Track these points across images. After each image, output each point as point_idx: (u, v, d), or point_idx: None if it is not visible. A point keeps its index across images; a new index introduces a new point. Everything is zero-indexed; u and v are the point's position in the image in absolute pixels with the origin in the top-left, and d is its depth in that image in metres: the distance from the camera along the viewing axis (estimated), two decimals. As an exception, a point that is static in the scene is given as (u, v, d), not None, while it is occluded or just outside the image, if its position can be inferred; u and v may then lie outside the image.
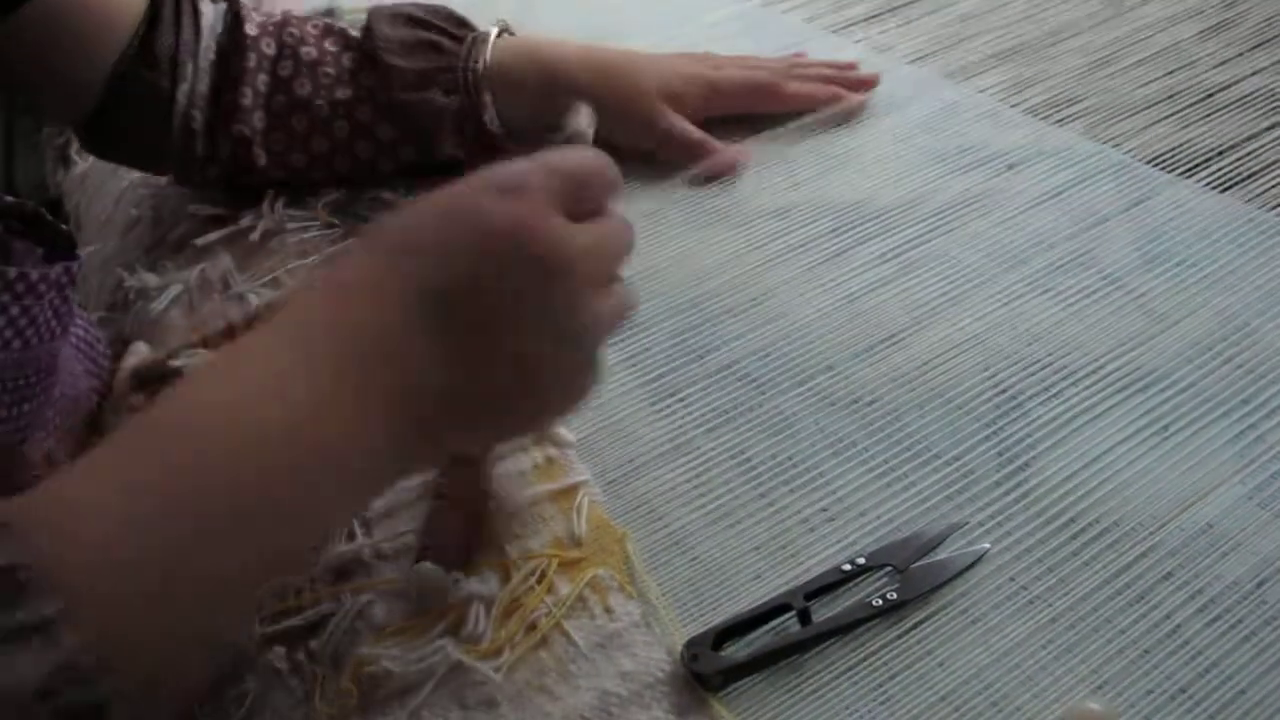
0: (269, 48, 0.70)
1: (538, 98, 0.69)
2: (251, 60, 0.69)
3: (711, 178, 0.70)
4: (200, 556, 0.34)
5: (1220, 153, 0.67)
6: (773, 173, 0.70)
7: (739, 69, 0.75)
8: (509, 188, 0.41)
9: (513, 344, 0.40)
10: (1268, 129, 0.69)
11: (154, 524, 0.33)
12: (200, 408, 0.37)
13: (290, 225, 0.71)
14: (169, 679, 0.34)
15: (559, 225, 0.41)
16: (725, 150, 0.71)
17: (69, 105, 0.69)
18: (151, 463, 0.35)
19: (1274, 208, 0.62)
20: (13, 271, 0.48)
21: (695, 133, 0.71)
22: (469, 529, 0.48)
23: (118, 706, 0.31)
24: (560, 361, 0.42)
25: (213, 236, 0.72)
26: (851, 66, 0.77)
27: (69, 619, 0.30)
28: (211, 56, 0.69)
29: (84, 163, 0.96)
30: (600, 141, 0.70)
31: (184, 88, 0.68)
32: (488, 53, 0.70)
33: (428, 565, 0.46)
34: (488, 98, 0.69)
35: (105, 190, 0.88)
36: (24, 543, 0.31)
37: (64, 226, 0.52)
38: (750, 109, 0.74)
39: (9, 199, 0.50)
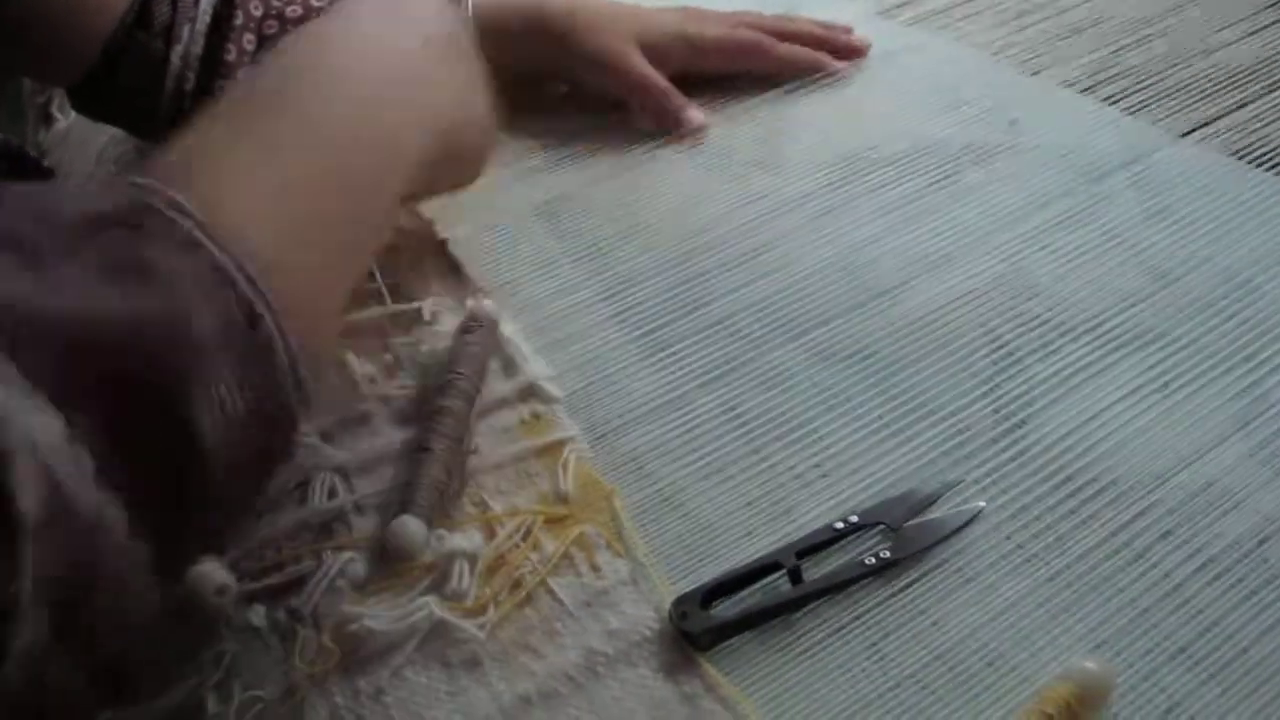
0: (256, 8, 0.69)
1: (521, 41, 0.69)
2: (239, 19, 0.68)
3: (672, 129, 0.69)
4: (334, 219, 0.40)
5: (1228, 109, 0.66)
6: (768, 126, 0.69)
7: (723, 27, 0.73)
8: None
9: None
10: (1269, 90, 0.67)
11: (296, 202, 0.39)
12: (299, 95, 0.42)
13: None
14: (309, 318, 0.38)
15: None
16: (683, 106, 0.70)
17: (65, 67, 0.68)
18: (289, 152, 0.40)
19: (1275, 166, 0.61)
20: None
21: (660, 82, 0.69)
22: (449, 481, 0.47)
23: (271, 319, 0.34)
24: None
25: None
26: (846, 30, 0.76)
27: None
28: (208, 19, 0.68)
29: (65, 120, 0.95)
30: (574, 88, 0.70)
31: (178, 49, 0.67)
32: None
33: (407, 517, 0.44)
34: (474, 37, 0.68)
35: (87, 147, 0.86)
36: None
37: (46, 164, 0.51)
38: (733, 69, 0.73)
39: None
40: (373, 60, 0.46)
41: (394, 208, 0.46)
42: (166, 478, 0.31)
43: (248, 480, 0.37)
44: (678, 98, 0.70)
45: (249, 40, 0.69)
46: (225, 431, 0.33)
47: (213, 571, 0.45)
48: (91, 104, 0.73)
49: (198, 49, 0.68)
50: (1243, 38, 0.73)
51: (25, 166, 0.50)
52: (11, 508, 0.27)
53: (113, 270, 0.31)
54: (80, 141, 0.87)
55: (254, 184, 0.38)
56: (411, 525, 0.45)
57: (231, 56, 0.68)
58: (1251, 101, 0.67)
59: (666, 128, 0.69)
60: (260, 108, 0.41)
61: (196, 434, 0.32)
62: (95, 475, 0.29)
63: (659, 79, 0.70)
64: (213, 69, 0.68)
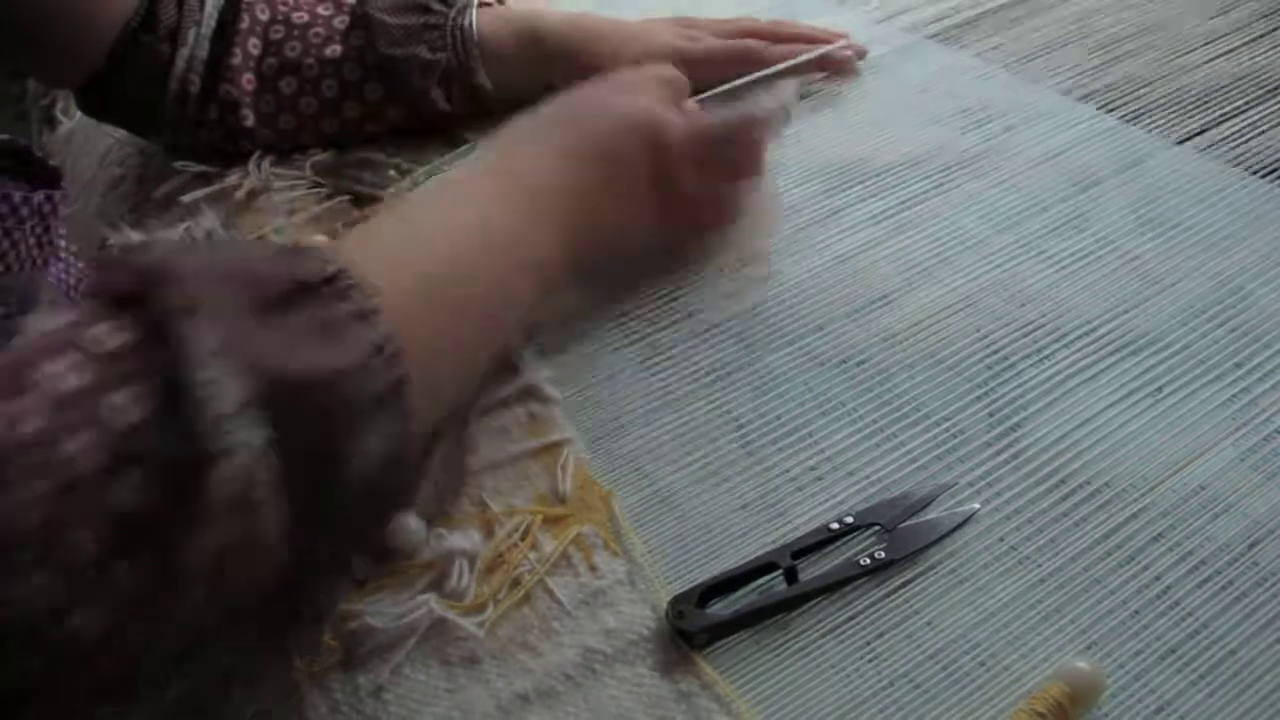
0: (263, 13, 0.70)
1: (523, 61, 0.69)
2: (245, 23, 0.69)
3: None
4: (460, 328, 0.46)
5: (1225, 117, 0.67)
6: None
7: (719, 39, 0.73)
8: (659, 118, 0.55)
9: (633, 188, 0.54)
10: (1262, 99, 0.68)
11: (427, 295, 0.44)
12: (432, 224, 0.48)
13: (277, 184, 0.71)
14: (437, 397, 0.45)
15: (667, 109, 0.55)
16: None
17: (70, 69, 0.69)
18: (417, 257, 0.45)
19: (1268, 174, 0.62)
20: None
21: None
22: (449, 480, 0.47)
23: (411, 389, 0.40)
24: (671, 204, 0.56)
25: (198, 194, 0.71)
26: (842, 37, 0.76)
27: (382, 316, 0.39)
28: (213, 24, 0.69)
29: (70, 122, 0.95)
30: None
31: (184, 53, 0.68)
32: (474, 14, 0.69)
33: (406, 516, 0.45)
34: (476, 54, 0.68)
35: (90, 149, 0.87)
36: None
37: (52, 163, 0.52)
38: (731, 78, 0.73)
39: (2, 136, 0.50)
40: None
41: (515, 324, 0.52)
42: (316, 498, 0.37)
43: (370, 524, 0.44)
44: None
45: (254, 45, 0.69)
46: (370, 476, 0.38)
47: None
48: (96, 106, 0.74)
49: (203, 53, 0.69)
50: (1237, 47, 0.73)
51: (31, 165, 0.51)
52: (204, 499, 0.33)
53: (312, 330, 0.37)
54: (84, 144, 0.88)
55: (401, 276, 0.44)
56: (411, 523, 0.45)
57: (236, 60, 0.69)
58: (1245, 110, 0.67)
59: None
60: (399, 222, 0.49)
61: (346, 472, 0.37)
62: (279, 484, 0.35)
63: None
64: (217, 73, 0.69)
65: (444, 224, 0.48)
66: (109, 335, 0.34)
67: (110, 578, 0.32)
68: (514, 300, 0.50)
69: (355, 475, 0.38)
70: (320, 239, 0.64)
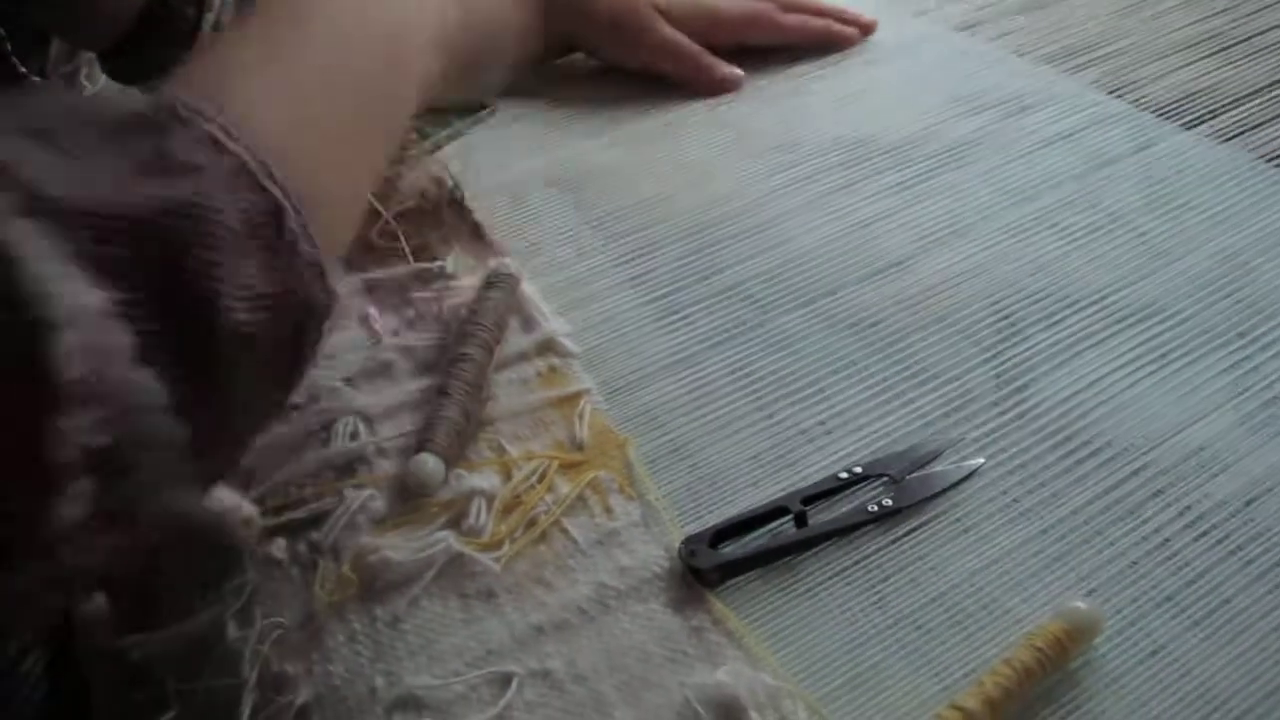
0: None
1: (547, 13, 0.70)
2: None
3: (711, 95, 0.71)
4: (352, 124, 0.43)
5: (1236, 102, 0.68)
6: (784, 109, 0.70)
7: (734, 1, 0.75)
8: None
9: None
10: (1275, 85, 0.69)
11: (314, 106, 0.41)
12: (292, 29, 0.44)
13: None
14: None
15: None
16: (721, 65, 0.72)
17: (100, 32, 0.70)
18: (293, 56, 0.42)
19: (1276, 159, 0.63)
20: None
21: (692, 45, 0.71)
22: (467, 424, 0.49)
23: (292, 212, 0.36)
24: None
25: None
26: (853, 12, 0.77)
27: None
28: None
29: (93, 87, 0.96)
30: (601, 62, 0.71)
31: (209, 17, 0.69)
32: None
33: (425, 454, 0.46)
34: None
35: (116, 113, 0.88)
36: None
37: None
38: (747, 39, 0.74)
39: (35, 79, 0.50)
40: None
41: (404, 107, 0.48)
42: (196, 358, 0.33)
43: (277, 374, 0.38)
44: (710, 57, 0.71)
45: None
46: (251, 315, 0.34)
47: (239, 504, 0.47)
48: (122, 70, 0.74)
49: (227, 16, 0.70)
50: (1252, 35, 0.74)
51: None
52: (58, 379, 0.28)
53: (142, 164, 0.33)
54: (109, 107, 0.89)
55: (267, 86, 0.40)
56: (430, 462, 0.46)
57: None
58: (1258, 95, 0.68)
59: (703, 90, 0.71)
60: (266, 23, 0.44)
61: (223, 316, 0.33)
62: (134, 351, 0.30)
63: (690, 42, 0.71)
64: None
65: (306, 22, 0.44)
66: None
67: None
68: (412, 80, 0.47)
69: (229, 321, 0.33)
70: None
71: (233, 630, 0.45)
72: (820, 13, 0.76)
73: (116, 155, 0.33)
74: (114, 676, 0.49)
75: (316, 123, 0.41)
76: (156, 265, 0.31)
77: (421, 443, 0.47)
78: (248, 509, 0.47)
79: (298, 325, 0.37)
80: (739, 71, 0.72)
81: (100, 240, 0.30)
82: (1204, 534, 0.43)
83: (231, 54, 0.42)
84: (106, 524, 0.31)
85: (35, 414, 0.28)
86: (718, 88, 0.71)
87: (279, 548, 0.47)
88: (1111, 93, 0.69)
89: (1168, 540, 0.43)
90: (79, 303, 0.29)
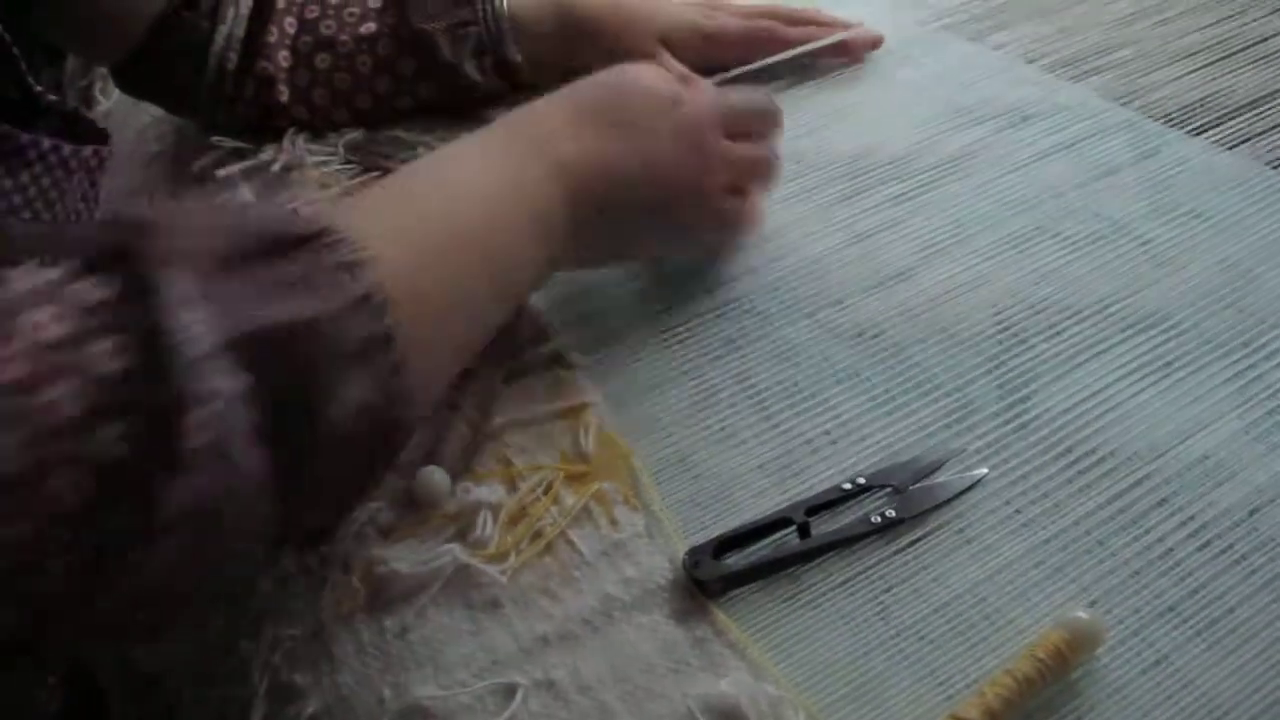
0: None
1: (554, 33, 0.71)
2: (281, 3, 0.71)
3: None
4: (460, 280, 0.46)
5: (1241, 109, 0.68)
6: (785, 122, 0.71)
7: (737, 18, 0.75)
8: (680, 92, 0.54)
9: (645, 142, 0.52)
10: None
11: (429, 259, 0.44)
12: (432, 182, 0.49)
13: (310, 160, 0.72)
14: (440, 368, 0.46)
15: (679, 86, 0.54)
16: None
17: (113, 45, 0.71)
18: (413, 213, 0.46)
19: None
20: (46, 142, 0.49)
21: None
22: (475, 437, 0.49)
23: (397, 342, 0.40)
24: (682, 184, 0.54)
25: (234, 168, 0.73)
26: (858, 25, 0.78)
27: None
28: (251, 3, 0.71)
29: (107, 101, 0.98)
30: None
31: (223, 30, 0.70)
32: None
33: (432, 468, 0.47)
34: (508, 26, 0.70)
35: (127, 127, 0.89)
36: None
37: (101, 127, 0.53)
38: (749, 57, 0.75)
39: (51, 97, 0.51)
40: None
41: (520, 270, 0.50)
42: (299, 448, 0.37)
43: (357, 476, 0.42)
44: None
45: (290, 23, 0.71)
46: (350, 423, 0.38)
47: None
48: (135, 83, 0.75)
49: (240, 30, 0.70)
50: (1257, 42, 0.74)
51: (80, 128, 0.53)
52: (180, 446, 0.33)
53: (292, 282, 0.38)
54: (122, 123, 0.90)
55: (396, 233, 0.44)
56: (437, 475, 0.47)
57: (273, 38, 0.71)
58: (1264, 102, 0.68)
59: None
60: (389, 181, 0.49)
61: (328, 420, 0.37)
62: (257, 433, 0.35)
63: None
64: (254, 50, 0.71)
65: (441, 179, 0.48)
66: (91, 289, 0.34)
67: (88, 528, 0.32)
68: (518, 252, 0.49)
69: (332, 425, 0.37)
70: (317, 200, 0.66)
71: (244, 641, 0.45)
72: (825, 25, 0.76)
73: (268, 267, 0.38)
74: (128, 685, 0.50)
75: (432, 267, 0.45)
76: (281, 369, 0.36)
77: (429, 456, 0.48)
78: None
79: (385, 440, 0.42)
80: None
81: (245, 336, 0.35)
82: (1208, 543, 0.44)
83: (362, 201, 0.48)
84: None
85: (153, 476, 0.33)
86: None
87: (290, 560, 0.47)
88: (1115, 100, 0.69)
89: (1171, 550, 0.43)
90: (222, 386, 0.34)
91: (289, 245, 0.38)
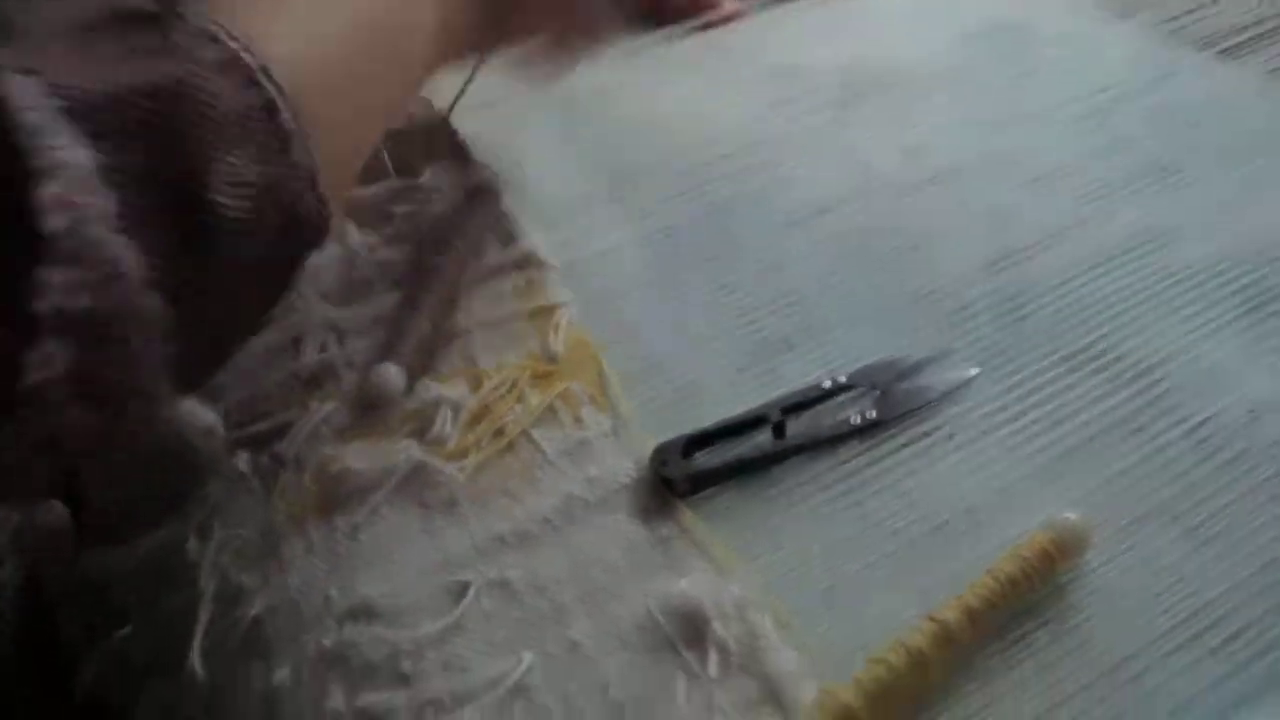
0: None
1: None
2: None
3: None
4: (347, 53, 0.40)
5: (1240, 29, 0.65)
6: (781, 35, 0.68)
7: None
8: None
9: None
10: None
11: (308, 26, 0.39)
12: None
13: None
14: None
15: None
16: (724, 4, 0.69)
17: None
18: None
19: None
20: None
21: None
22: (435, 335, 0.47)
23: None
24: None
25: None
26: None
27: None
28: None
29: None
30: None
31: None
32: None
33: (387, 364, 0.44)
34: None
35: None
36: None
37: None
38: None
39: None
40: None
41: (417, 54, 0.45)
42: (180, 237, 0.32)
43: (262, 280, 0.37)
44: None
45: None
46: (236, 201, 0.33)
47: (199, 413, 0.46)
48: None
49: None
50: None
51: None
52: (38, 225, 0.28)
53: (144, 50, 0.32)
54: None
55: (275, 10, 0.39)
56: (391, 371, 0.45)
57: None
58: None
59: (701, 14, 0.69)
60: None
61: (209, 195, 0.32)
62: (117, 216, 0.30)
63: None
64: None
65: None
66: None
67: None
68: (409, 15, 0.44)
69: (215, 208, 0.32)
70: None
71: (193, 543, 0.43)
72: None
73: (115, 41, 0.32)
74: (74, 591, 0.48)
75: (324, 50, 0.39)
76: (143, 138, 0.31)
77: (384, 352, 0.46)
78: (208, 418, 0.46)
79: (284, 230, 0.35)
80: (739, 8, 0.69)
81: (90, 106, 0.30)
82: (1202, 442, 0.41)
83: None
84: (82, 397, 0.30)
85: (13, 261, 0.28)
86: (711, 8, 0.68)
87: (242, 460, 0.45)
88: (1127, 14, 0.66)
89: (1163, 449, 0.41)
90: (67, 157, 0.29)
91: (143, 19, 0.34)
